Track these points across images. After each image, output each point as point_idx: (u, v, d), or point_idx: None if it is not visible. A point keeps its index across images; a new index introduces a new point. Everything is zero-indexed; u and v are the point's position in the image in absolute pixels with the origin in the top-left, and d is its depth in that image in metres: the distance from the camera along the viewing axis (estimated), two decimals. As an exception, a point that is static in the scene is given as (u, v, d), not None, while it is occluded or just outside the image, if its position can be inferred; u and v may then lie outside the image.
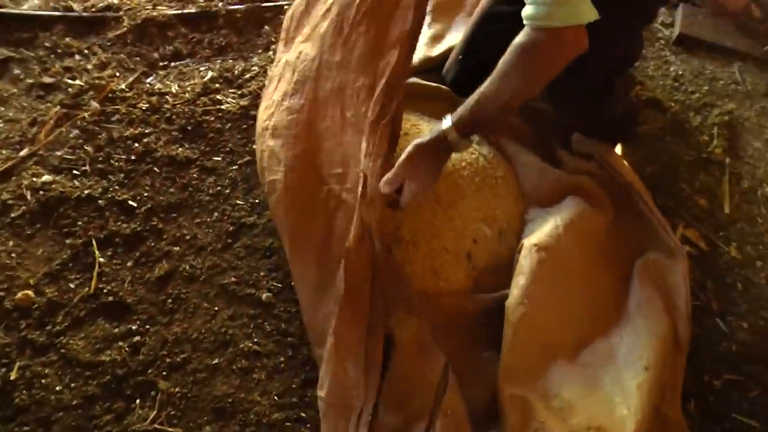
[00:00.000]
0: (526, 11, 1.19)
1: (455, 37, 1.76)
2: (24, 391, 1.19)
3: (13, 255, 1.32)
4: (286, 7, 1.90)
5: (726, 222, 1.74)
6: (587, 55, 1.25)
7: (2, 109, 1.50)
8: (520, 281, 1.34)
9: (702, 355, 1.50)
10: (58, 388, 1.21)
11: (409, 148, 1.28)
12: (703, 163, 1.84)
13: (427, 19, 1.82)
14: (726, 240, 1.71)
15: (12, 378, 1.20)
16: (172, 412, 1.23)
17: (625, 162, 1.65)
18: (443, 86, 1.67)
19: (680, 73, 2.02)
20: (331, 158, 1.39)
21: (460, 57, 1.64)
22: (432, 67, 1.72)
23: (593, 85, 1.48)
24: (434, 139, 1.27)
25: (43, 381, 1.21)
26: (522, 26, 1.30)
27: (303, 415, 1.27)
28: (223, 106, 1.72)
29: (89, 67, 1.67)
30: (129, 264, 1.35)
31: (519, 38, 1.22)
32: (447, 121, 1.27)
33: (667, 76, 2.01)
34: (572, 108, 1.60)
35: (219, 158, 1.63)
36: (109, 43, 1.80)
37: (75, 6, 1.81)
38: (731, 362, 1.51)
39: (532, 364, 1.30)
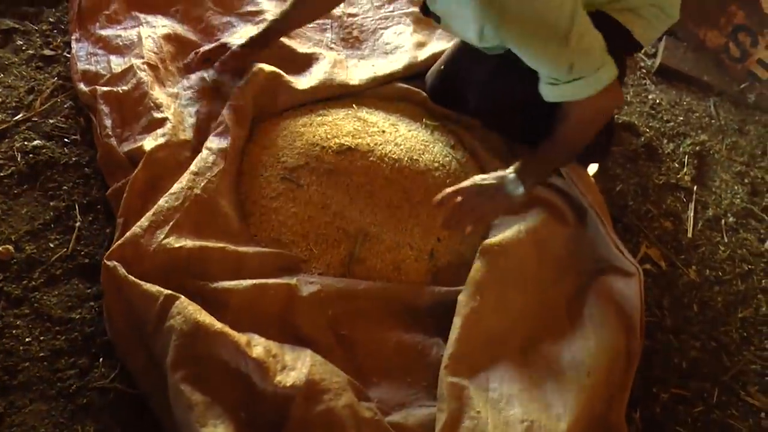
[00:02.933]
0: (563, 92, 1.33)
1: (438, 45, 1.84)
2: (-6, 340, 1.24)
3: (-2, 211, 1.38)
4: None
5: (688, 246, 1.78)
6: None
7: (2, 75, 1.57)
8: (475, 277, 1.38)
9: (653, 367, 1.52)
10: (27, 340, 1.25)
11: (467, 184, 1.38)
12: (671, 188, 1.89)
13: (411, 27, 1.91)
14: (686, 263, 1.75)
15: (-16, 326, 1.24)
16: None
17: (593, 182, 1.69)
18: (422, 92, 1.74)
19: (658, 101, 2.09)
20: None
21: (442, 67, 1.72)
22: (417, 72, 1.79)
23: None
24: (496, 183, 1.39)
25: (14, 332, 1.25)
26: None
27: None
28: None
29: (89, 44, 1.74)
30: (108, 230, 1.41)
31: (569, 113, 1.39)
32: (511, 173, 1.39)
33: (645, 104, 2.08)
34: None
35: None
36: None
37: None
38: (680, 377, 1.54)
39: (476, 357, 1.31)
